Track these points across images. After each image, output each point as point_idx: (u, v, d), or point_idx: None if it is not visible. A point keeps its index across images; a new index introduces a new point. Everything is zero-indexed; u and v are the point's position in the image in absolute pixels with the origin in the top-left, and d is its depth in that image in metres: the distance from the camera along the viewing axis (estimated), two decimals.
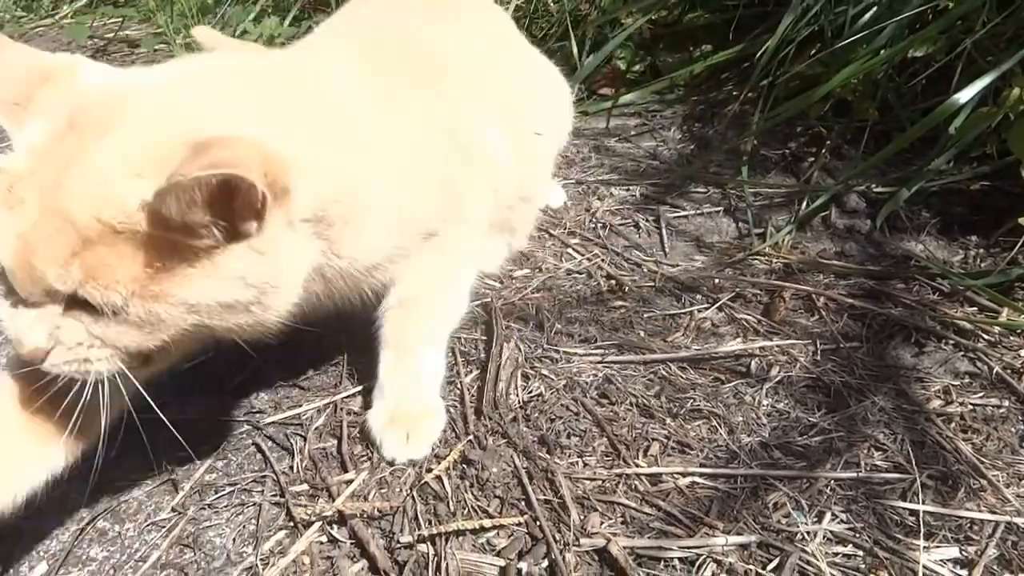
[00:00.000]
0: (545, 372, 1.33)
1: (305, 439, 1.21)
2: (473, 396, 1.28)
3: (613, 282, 1.59)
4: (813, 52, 2.03)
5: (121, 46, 3.13)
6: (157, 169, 0.80)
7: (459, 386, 1.31)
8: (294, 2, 3.03)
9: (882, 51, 1.78)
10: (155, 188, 0.79)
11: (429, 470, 1.13)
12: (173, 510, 1.11)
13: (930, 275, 1.54)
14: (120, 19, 3.30)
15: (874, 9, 1.86)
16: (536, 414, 1.24)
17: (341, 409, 1.26)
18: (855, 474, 1.11)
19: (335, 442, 1.20)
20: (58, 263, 0.81)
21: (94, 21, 3.34)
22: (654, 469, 1.13)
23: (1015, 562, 0.99)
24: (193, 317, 0.88)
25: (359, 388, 1.31)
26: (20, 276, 0.84)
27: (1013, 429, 1.21)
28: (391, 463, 1.15)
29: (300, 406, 1.28)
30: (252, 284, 0.90)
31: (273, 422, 1.24)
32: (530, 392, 1.29)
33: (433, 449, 1.17)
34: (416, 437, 1.16)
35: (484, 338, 1.41)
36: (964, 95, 1.57)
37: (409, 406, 1.19)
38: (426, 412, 1.20)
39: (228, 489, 1.13)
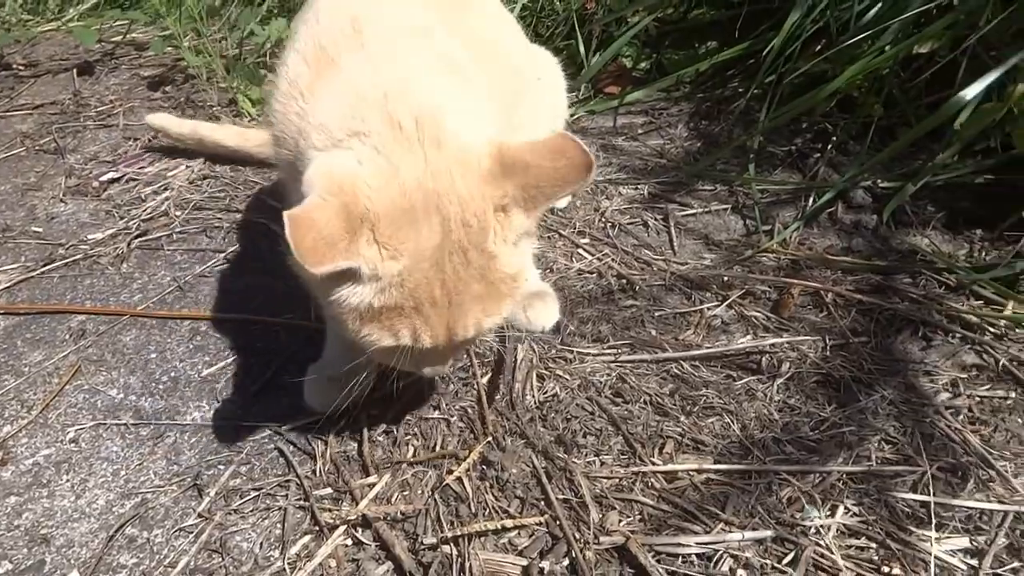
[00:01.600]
0: (560, 372, 1.36)
1: (326, 443, 1.23)
2: (490, 397, 1.31)
3: (624, 281, 1.61)
4: (819, 49, 2.05)
5: (128, 49, 3.15)
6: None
7: (475, 387, 1.33)
8: (301, 2, 3.05)
9: (887, 48, 1.79)
10: None
11: (450, 472, 1.15)
12: (199, 516, 1.14)
13: (936, 269, 1.56)
14: (127, 22, 3.32)
15: (879, 6, 1.87)
16: (552, 414, 1.27)
17: (361, 413, 1.29)
18: (866, 467, 1.14)
19: (356, 445, 1.23)
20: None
21: (101, 24, 3.36)
22: (670, 466, 1.15)
23: None
24: None
25: (378, 394, 1.33)
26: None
27: (1020, 419, 1.23)
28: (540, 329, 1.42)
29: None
30: None
31: (295, 427, 1.27)
32: (545, 392, 1.32)
33: (452, 450, 1.20)
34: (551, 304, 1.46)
35: (498, 339, 1.44)
36: (969, 92, 1.58)
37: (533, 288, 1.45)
38: (545, 289, 1.48)
39: (253, 494, 1.16)
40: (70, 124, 2.39)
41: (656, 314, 1.51)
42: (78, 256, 1.74)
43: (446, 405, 1.30)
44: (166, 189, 1.99)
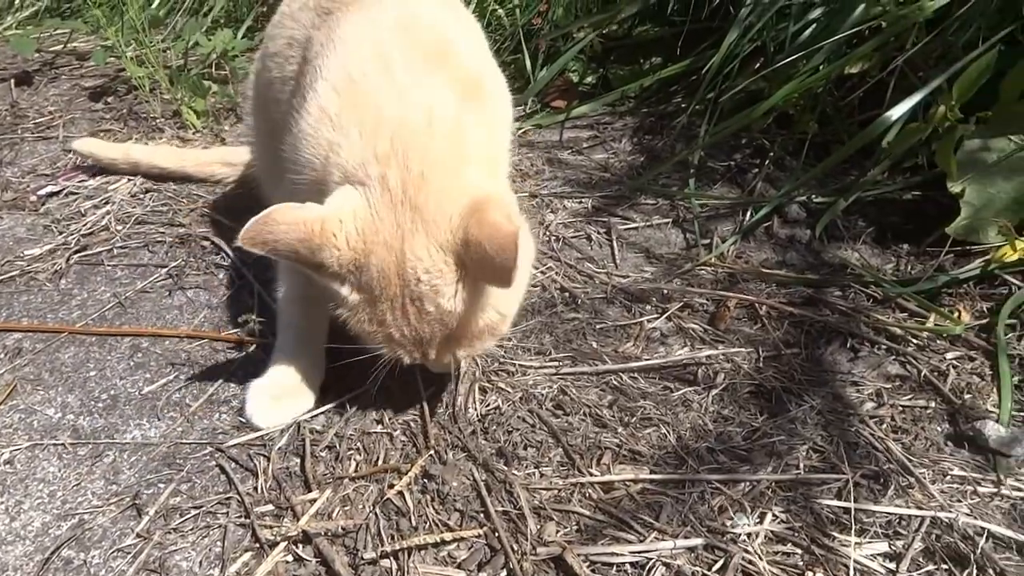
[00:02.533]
0: (502, 385, 1.38)
1: (268, 459, 1.24)
2: (433, 411, 1.33)
3: (567, 294, 1.64)
4: (756, 67, 2.12)
5: (69, 59, 3.10)
6: None
7: (419, 401, 1.35)
8: (248, 13, 3.04)
9: (821, 67, 1.87)
10: None
11: (391, 486, 1.17)
12: (138, 536, 1.13)
13: (864, 283, 1.63)
14: (68, 31, 3.26)
15: (812, 27, 1.95)
16: (494, 427, 1.29)
17: (304, 428, 1.29)
18: (794, 475, 1.18)
19: (298, 461, 1.24)
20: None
21: (40, 33, 3.29)
22: (607, 477, 1.18)
23: (938, 554, 1.06)
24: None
25: (323, 407, 1.34)
26: None
27: (939, 428, 1.29)
28: None
29: (262, 427, 1.30)
30: None
31: (236, 443, 1.27)
32: (488, 406, 1.34)
33: (394, 464, 1.21)
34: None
35: None
36: (896, 111, 1.66)
37: None
38: None
39: (193, 512, 1.16)
40: (7, 136, 2.34)
41: (597, 326, 1.55)
42: (14, 272, 1.71)
43: (389, 419, 1.31)
44: (107, 203, 1.97)
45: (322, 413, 1.33)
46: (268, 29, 1.63)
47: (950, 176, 1.65)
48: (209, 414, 1.34)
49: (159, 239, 1.82)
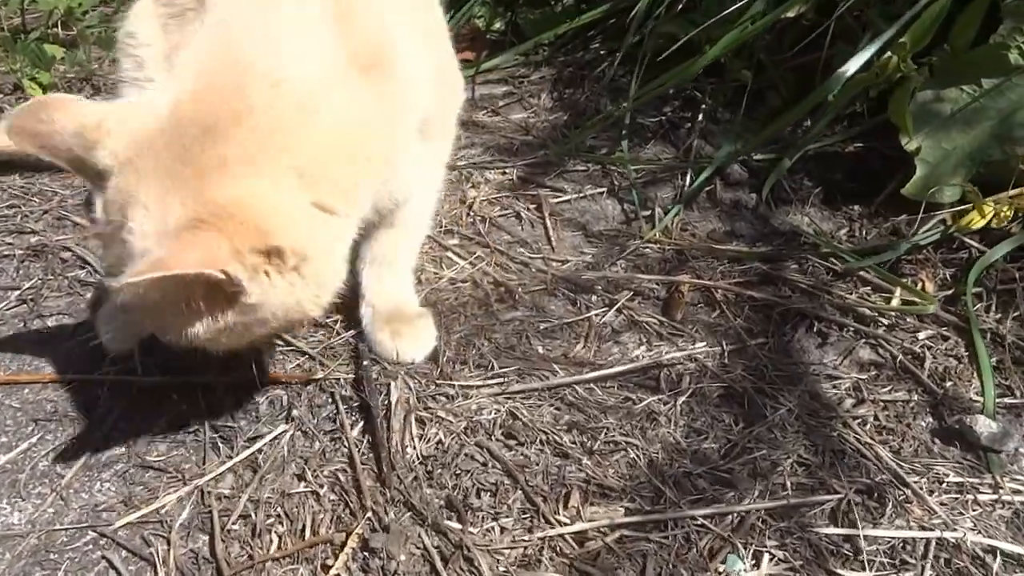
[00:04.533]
0: (442, 414, 1.19)
1: (168, 541, 1.01)
2: (364, 455, 1.13)
3: (502, 289, 1.45)
4: (680, 7, 1.93)
5: None
6: None
7: (345, 443, 1.15)
8: None
9: (755, 16, 1.70)
10: None
11: (326, 567, 0.97)
12: None
13: (822, 254, 1.50)
14: None
15: None
16: (439, 470, 1.11)
17: (209, 495, 1.07)
18: (784, 502, 1.06)
19: (206, 539, 1.02)
20: None
21: None
22: (579, 525, 1.02)
23: None
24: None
25: (230, 463, 1.12)
26: None
27: (923, 423, 1.19)
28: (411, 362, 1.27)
29: (157, 497, 1.07)
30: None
31: (125, 524, 1.04)
32: (428, 441, 1.15)
33: (329, 533, 1.02)
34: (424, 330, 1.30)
35: (366, 375, 1.25)
36: (851, 65, 1.51)
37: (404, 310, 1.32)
38: (420, 313, 1.33)
39: None
40: None
41: (541, 326, 1.37)
42: None
43: (313, 472, 1.11)
44: None
45: (229, 470, 1.11)
46: None
47: (905, 131, 1.53)
48: (88, 484, 1.10)
49: (6, 252, 1.50)
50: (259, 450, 1.15)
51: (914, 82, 1.53)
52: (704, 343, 1.32)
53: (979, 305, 1.37)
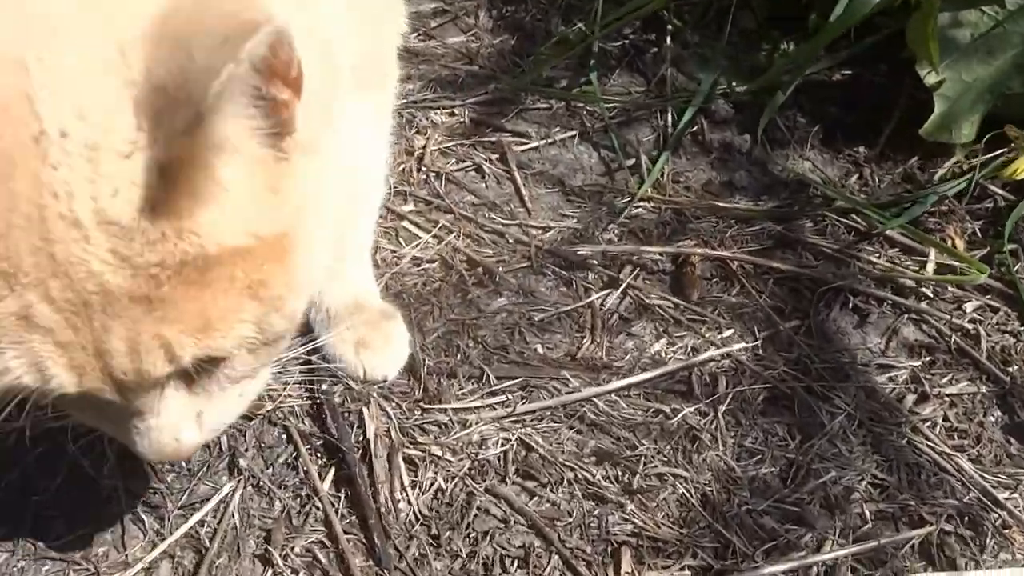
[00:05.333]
0: (436, 450, 0.94)
1: None
2: (345, 518, 0.87)
3: (479, 269, 1.18)
4: None
5: None
6: None
7: (317, 502, 0.88)
8: None
9: None
10: None
11: None
12: None
13: (840, 211, 1.31)
14: None
15: None
16: (447, 532, 0.86)
17: None
18: (873, 542, 0.88)
19: None
20: None
21: None
22: None
23: None
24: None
25: (163, 544, 0.83)
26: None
27: (994, 418, 1.04)
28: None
29: None
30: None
31: None
32: (424, 491, 0.90)
33: None
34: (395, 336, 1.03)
35: (327, 402, 0.97)
36: None
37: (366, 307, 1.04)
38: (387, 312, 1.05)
39: None
40: None
41: (535, 317, 1.12)
42: None
43: (280, 552, 0.83)
44: None
45: (163, 555, 0.82)
46: None
47: (928, 61, 1.33)
48: None
49: None
50: (201, 522, 0.86)
51: (936, 2, 1.32)
52: (732, 330, 1.12)
53: (1017, 265, 1.23)
